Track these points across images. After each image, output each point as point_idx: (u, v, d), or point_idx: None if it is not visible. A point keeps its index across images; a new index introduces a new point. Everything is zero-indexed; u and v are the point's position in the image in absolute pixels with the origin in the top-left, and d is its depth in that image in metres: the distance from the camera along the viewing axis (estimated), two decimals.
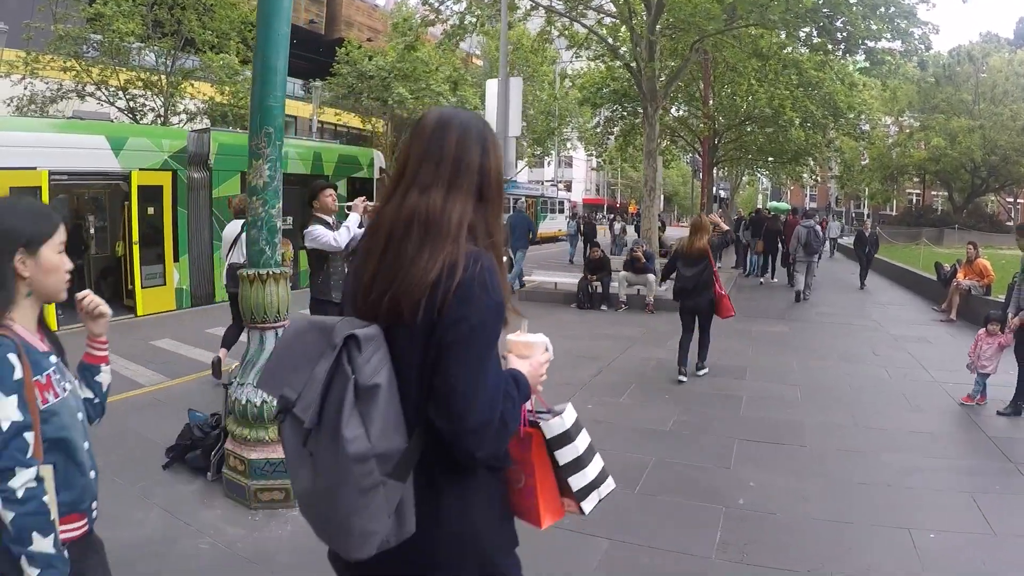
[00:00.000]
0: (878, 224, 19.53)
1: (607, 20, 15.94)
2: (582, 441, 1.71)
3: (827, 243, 21.90)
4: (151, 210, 11.38)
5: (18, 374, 1.65)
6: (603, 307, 12.51)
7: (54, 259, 1.81)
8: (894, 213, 49.45)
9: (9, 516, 1.60)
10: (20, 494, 1.60)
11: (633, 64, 14.74)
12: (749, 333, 10.19)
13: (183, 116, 19.54)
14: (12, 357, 1.65)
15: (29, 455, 1.63)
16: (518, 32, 26.59)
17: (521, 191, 34.38)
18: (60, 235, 1.84)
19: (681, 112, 25.57)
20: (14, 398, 1.63)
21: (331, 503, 1.41)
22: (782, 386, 7.29)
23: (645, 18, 14.42)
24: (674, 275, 7.80)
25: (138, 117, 18.31)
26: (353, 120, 31.10)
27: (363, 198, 6.05)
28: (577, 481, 1.70)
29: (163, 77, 18.34)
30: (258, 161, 4.30)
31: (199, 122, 19.37)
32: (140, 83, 18.00)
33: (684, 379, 7.37)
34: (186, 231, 11.98)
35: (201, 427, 4.89)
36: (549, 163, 44.05)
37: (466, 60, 34.99)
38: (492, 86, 12.04)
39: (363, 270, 1.55)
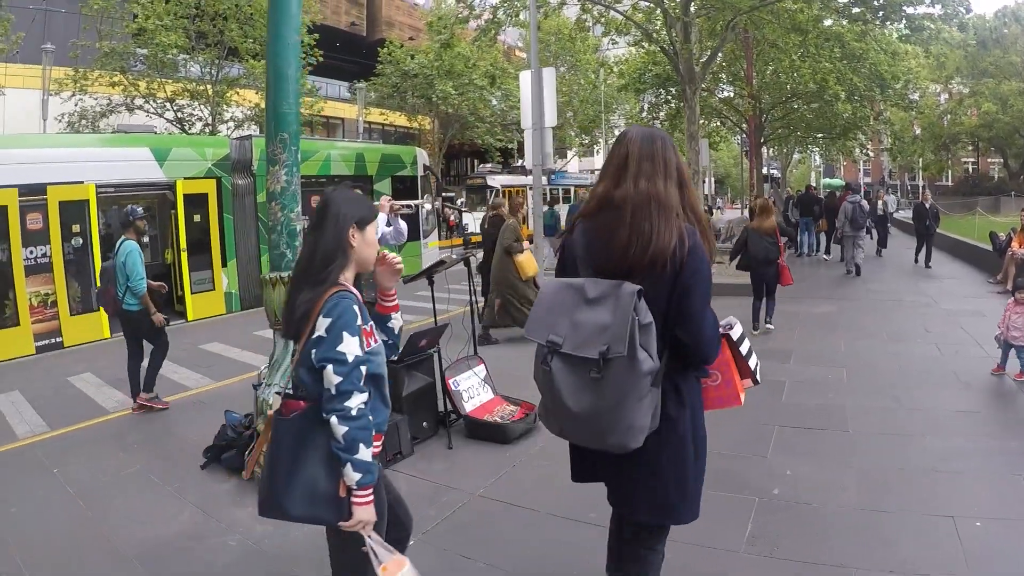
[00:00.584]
0: (934, 195, 18.59)
1: (642, 5, 15.64)
2: (746, 337, 2.54)
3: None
4: (197, 217, 11.69)
5: (360, 321, 2.18)
6: None
7: (373, 236, 2.36)
8: (950, 183, 47.52)
9: (343, 430, 2.06)
10: (354, 412, 2.07)
11: (670, 47, 14.47)
12: (797, 315, 9.91)
13: (230, 124, 19.95)
14: (356, 308, 2.17)
15: (362, 383, 2.13)
16: (557, 22, 26.37)
17: (569, 182, 33.48)
18: (376, 219, 2.40)
19: (726, 93, 25.06)
20: (357, 338, 2.14)
21: (616, 413, 2.03)
22: (827, 369, 7.04)
23: (678, 0, 14.14)
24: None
25: (187, 127, 18.80)
26: (399, 119, 31.33)
27: (388, 197, 6.14)
28: (752, 361, 2.51)
29: (209, 87, 18.76)
30: (275, 167, 4.38)
31: (246, 129, 19.75)
32: (187, 94, 18.47)
33: (756, 333, 8.65)
34: (232, 236, 12.25)
35: (235, 428, 5.00)
36: (598, 151, 43.26)
37: (508, 53, 34.83)
38: (526, 77, 11.99)
39: (610, 238, 2.17)
